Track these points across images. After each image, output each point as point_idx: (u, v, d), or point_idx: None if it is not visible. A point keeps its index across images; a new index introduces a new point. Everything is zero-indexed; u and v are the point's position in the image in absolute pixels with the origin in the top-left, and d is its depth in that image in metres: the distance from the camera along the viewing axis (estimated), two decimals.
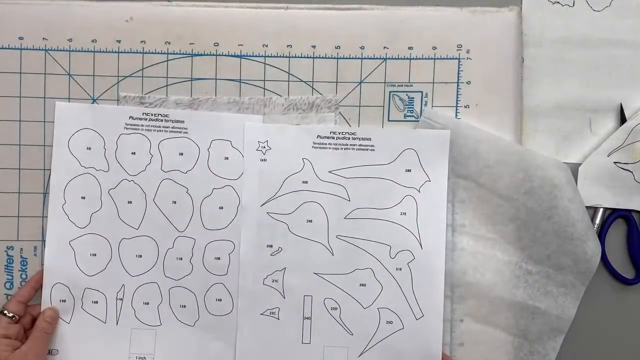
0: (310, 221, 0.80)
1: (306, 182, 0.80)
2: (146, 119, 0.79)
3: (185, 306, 0.80)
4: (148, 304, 0.80)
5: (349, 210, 0.80)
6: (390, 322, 0.79)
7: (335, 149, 0.80)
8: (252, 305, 0.80)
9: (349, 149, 0.80)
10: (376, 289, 0.80)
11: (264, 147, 0.80)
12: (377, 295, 0.80)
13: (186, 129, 0.79)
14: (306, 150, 0.80)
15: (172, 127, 0.79)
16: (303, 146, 0.80)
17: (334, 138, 0.80)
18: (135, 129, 0.79)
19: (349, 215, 0.80)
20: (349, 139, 0.80)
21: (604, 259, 0.82)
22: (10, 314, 0.75)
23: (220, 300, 0.80)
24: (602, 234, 0.82)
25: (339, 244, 0.80)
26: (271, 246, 0.80)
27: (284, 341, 0.80)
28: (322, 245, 0.80)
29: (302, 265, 0.80)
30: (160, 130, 0.79)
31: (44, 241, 0.80)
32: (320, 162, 0.80)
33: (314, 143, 0.80)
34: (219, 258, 0.80)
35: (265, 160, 0.80)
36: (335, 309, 0.80)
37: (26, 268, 0.80)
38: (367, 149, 0.79)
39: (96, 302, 0.80)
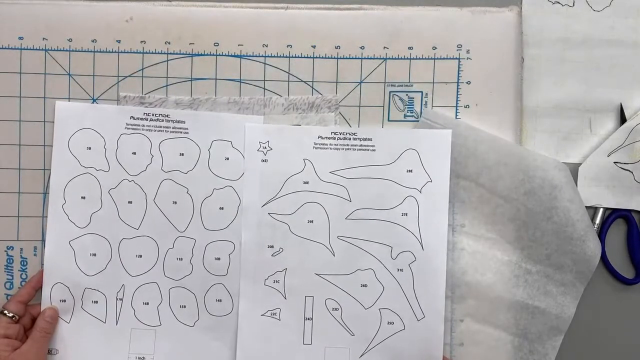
0: (312, 222, 0.80)
1: (307, 182, 0.80)
2: (147, 119, 0.79)
3: (185, 306, 0.80)
4: (148, 304, 0.80)
5: (350, 210, 0.79)
6: (392, 323, 0.79)
7: (336, 149, 0.80)
8: (253, 306, 0.80)
9: (350, 149, 0.80)
10: (377, 289, 0.80)
11: (265, 147, 0.80)
12: (378, 295, 0.80)
13: (187, 129, 0.79)
14: (307, 151, 0.80)
15: (173, 128, 0.79)
16: (304, 147, 0.80)
17: (334, 139, 0.80)
18: (136, 129, 0.79)
19: (350, 216, 0.80)
20: (349, 139, 0.80)
21: (603, 258, 0.82)
22: (10, 314, 0.75)
23: (220, 300, 0.80)
24: (602, 234, 0.82)
25: (340, 244, 0.80)
26: (272, 247, 0.80)
27: (285, 342, 0.80)
28: (323, 246, 0.80)
29: (303, 266, 0.80)
30: (161, 131, 0.79)
31: (44, 241, 0.80)
32: (321, 162, 0.80)
33: (315, 144, 0.80)
34: (219, 258, 0.80)
35: (266, 161, 0.80)
36: (337, 309, 0.80)
37: (26, 268, 0.80)
38: (368, 150, 0.79)
39: (96, 302, 0.80)
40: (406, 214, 0.79)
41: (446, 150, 0.79)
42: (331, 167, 0.80)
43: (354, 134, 0.80)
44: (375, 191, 0.79)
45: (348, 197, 0.80)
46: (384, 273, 0.79)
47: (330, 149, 0.80)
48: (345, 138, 0.80)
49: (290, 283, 0.80)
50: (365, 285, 0.80)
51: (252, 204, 0.80)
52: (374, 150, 0.79)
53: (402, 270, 0.79)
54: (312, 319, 0.80)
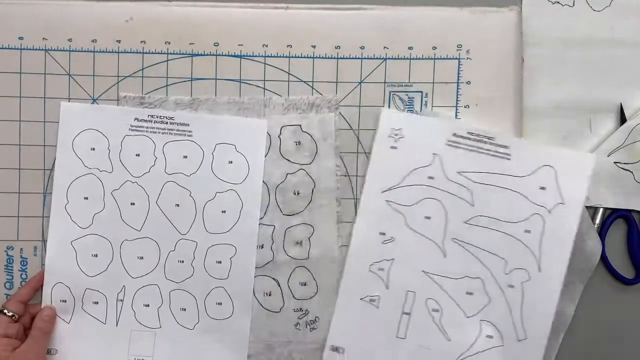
0: (429, 218, 0.78)
1: (432, 178, 0.78)
2: (151, 121, 0.79)
3: (185, 309, 0.80)
4: (148, 306, 0.80)
5: (471, 215, 0.78)
6: (490, 337, 0.78)
7: (469, 150, 0.78)
8: (353, 288, 0.79)
9: (484, 153, 0.78)
10: (483, 300, 0.78)
11: (397, 134, 0.78)
12: (482, 307, 0.78)
13: (191, 132, 0.79)
14: (439, 146, 0.78)
15: (177, 130, 0.79)
16: (436, 141, 0.78)
17: (469, 139, 0.78)
18: (140, 131, 0.79)
19: (470, 221, 0.78)
20: (485, 142, 0.78)
21: (604, 258, 0.82)
22: (10, 313, 0.75)
23: (221, 304, 0.80)
24: (602, 234, 0.82)
25: (453, 247, 0.78)
26: (384, 234, 0.78)
27: (378, 331, 0.79)
28: (436, 245, 0.78)
29: (411, 260, 0.78)
30: (165, 133, 0.79)
31: (44, 241, 0.80)
32: (451, 160, 0.78)
33: (448, 140, 0.78)
34: (220, 262, 0.80)
35: (395, 147, 0.78)
36: (437, 310, 0.78)
37: (26, 268, 0.80)
38: (503, 157, 0.78)
39: (96, 302, 0.80)
40: (529, 232, 0.77)
41: (586, 175, 0.77)
42: (460, 167, 0.78)
43: (491, 138, 0.78)
44: (502, 201, 0.77)
45: (471, 201, 0.78)
46: (493, 285, 0.78)
47: (463, 148, 0.78)
48: (481, 140, 0.78)
49: (395, 274, 0.78)
50: (471, 293, 0.78)
51: (372, 189, 0.79)
52: (509, 159, 0.78)
53: (513, 286, 0.77)
54: (410, 314, 0.78)
